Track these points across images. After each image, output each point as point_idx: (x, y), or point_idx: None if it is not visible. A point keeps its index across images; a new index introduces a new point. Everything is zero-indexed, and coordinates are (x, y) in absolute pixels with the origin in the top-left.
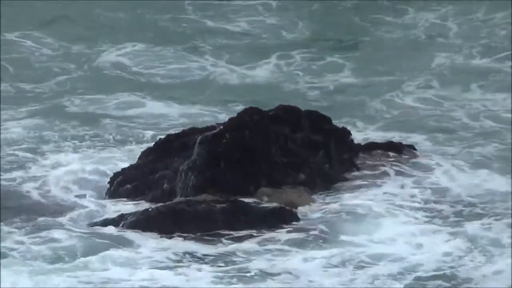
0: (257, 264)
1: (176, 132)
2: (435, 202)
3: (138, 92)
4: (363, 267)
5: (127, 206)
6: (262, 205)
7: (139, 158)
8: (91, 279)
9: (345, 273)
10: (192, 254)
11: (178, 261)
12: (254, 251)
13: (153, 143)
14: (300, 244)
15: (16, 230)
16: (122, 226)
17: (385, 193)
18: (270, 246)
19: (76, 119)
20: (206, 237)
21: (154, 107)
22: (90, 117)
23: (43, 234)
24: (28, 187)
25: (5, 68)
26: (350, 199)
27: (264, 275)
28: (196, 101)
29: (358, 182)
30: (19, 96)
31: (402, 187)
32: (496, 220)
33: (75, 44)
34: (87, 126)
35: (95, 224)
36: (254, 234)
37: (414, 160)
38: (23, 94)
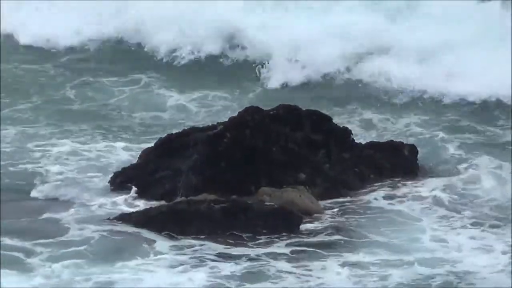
0: (282, 266)
1: (178, 131)
2: (454, 203)
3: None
4: (386, 271)
5: (127, 206)
6: (263, 205)
7: (140, 157)
8: (95, 281)
9: (369, 277)
10: (203, 256)
11: (188, 264)
12: (280, 253)
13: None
14: (321, 247)
15: (15, 230)
16: (122, 226)
17: (387, 194)
18: (294, 249)
19: (78, 114)
20: (220, 238)
21: (166, 99)
22: (90, 114)
23: (42, 233)
24: (27, 185)
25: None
26: (358, 202)
27: (291, 278)
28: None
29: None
30: (21, 88)
31: (406, 187)
32: None
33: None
34: (88, 123)
35: (95, 223)
36: (275, 235)
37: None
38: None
